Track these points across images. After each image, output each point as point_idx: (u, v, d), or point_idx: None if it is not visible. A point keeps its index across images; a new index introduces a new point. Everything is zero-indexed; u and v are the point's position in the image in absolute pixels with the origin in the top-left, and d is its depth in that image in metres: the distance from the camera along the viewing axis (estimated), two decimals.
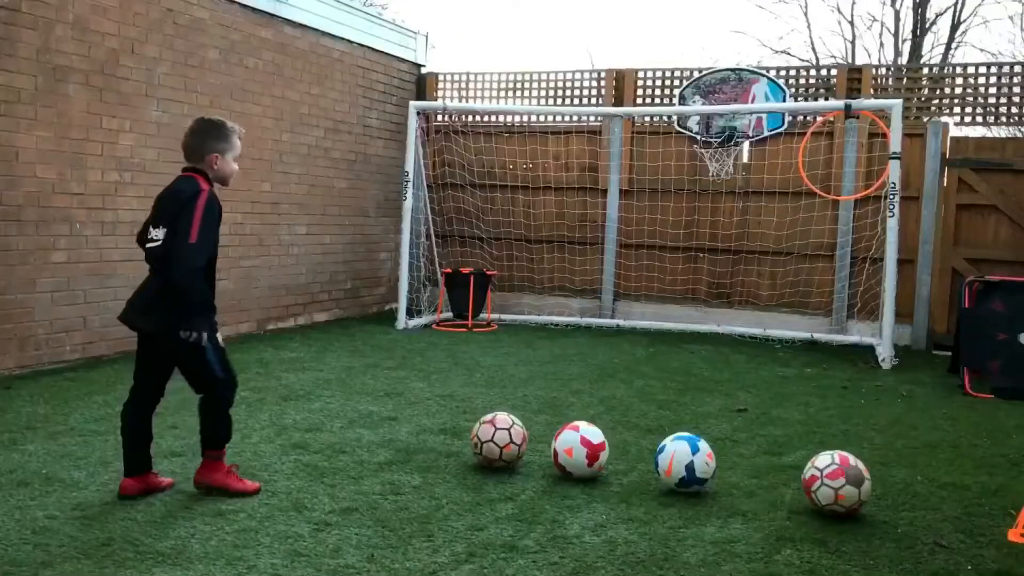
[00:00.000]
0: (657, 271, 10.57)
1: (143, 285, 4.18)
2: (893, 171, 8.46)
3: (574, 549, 3.69)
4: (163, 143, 7.93)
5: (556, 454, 4.60)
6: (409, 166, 9.96)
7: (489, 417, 4.74)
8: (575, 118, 10.92)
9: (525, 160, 11.16)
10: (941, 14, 23.80)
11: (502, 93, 11.39)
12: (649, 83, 10.73)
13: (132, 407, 4.25)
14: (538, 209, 11.15)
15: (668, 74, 10.66)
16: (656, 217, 10.53)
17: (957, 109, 9.69)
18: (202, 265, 4.03)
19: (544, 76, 11.21)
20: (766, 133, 10.09)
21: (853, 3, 30.52)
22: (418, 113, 10.19)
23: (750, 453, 5.20)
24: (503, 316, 10.49)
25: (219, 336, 4.17)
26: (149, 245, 4.08)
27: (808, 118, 9.92)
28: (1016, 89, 9.42)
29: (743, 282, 10.35)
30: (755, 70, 10.59)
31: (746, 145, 10.25)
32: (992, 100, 9.56)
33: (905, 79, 10.12)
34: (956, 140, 9.49)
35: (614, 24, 37.60)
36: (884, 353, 8.31)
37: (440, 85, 11.68)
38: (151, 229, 4.07)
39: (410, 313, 10.06)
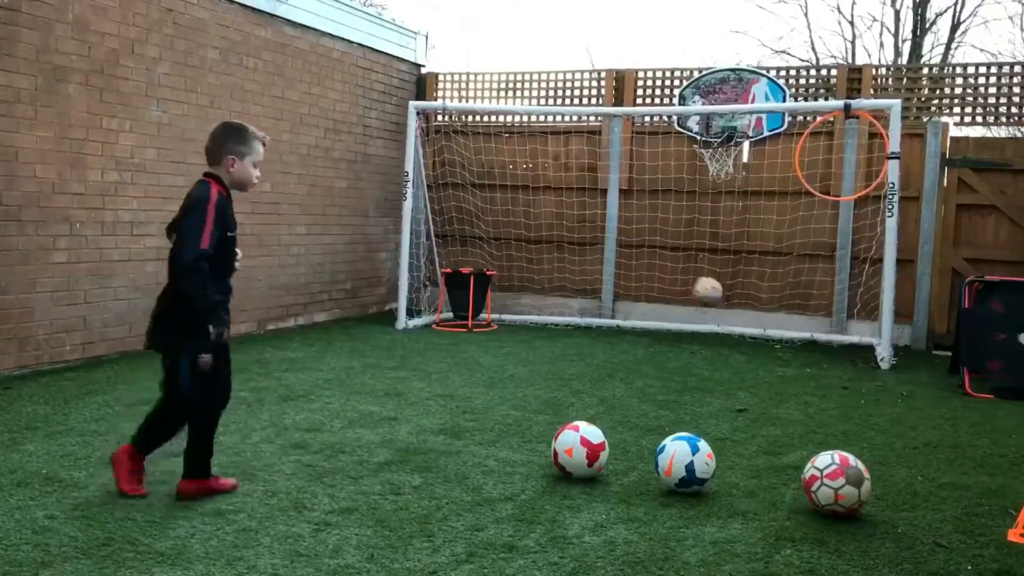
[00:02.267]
0: (657, 271, 10.57)
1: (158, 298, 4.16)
2: (892, 171, 8.46)
3: (574, 549, 3.69)
4: (163, 143, 7.94)
5: (556, 454, 4.60)
6: (409, 166, 9.96)
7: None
8: (575, 118, 10.92)
9: (525, 160, 11.16)
10: (941, 14, 23.81)
11: (502, 93, 11.39)
12: (649, 83, 10.73)
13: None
14: (538, 209, 11.15)
15: (668, 74, 10.67)
16: (656, 216, 10.53)
17: (957, 109, 9.69)
18: (206, 272, 3.91)
19: (544, 76, 11.21)
20: (766, 133, 10.09)
21: (853, 3, 30.54)
22: (418, 113, 10.19)
23: (750, 453, 5.20)
24: (503, 316, 10.49)
25: (208, 357, 4.02)
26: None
27: (808, 118, 9.92)
28: (1016, 89, 9.42)
29: (743, 282, 10.35)
30: (755, 70, 10.59)
31: (746, 145, 10.25)
32: (992, 100, 9.56)
33: (905, 79, 10.12)
34: (956, 140, 9.49)
35: (614, 24, 37.60)
36: (883, 353, 8.32)
37: (440, 85, 11.68)
38: (174, 233, 4.04)
39: (410, 313, 10.06)
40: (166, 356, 4.07)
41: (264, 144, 4.25)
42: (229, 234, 4.02)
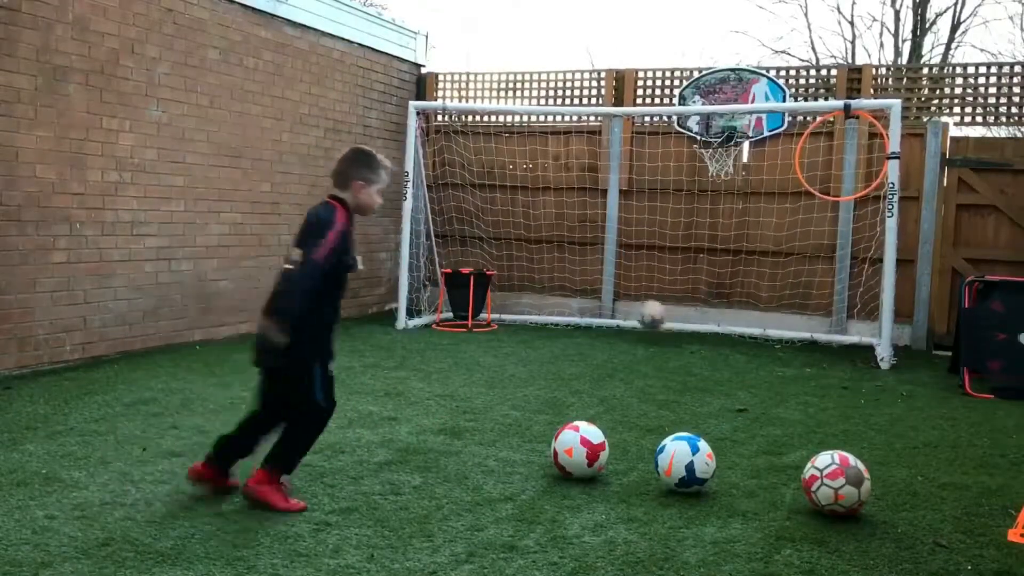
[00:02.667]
0: (657, 271, 10.57)
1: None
2: (892, 171, 8.46)
3: (574, 549, 3.69)
4: (163, 143, 7.94)
5: (556, 454, 4.60)
6: (409, 166, 9.96)
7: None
8: (575, 118, 10.92)
9: (525, 160, 11.16)
10: (941, 14, 23.81)
11: (502, 93, 11.39)
12: (649, 83, 10.73)
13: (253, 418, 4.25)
14: (538, 209, 11.15)
15: (668, 74, 10.67)
16: (656, 217, 10.53)
17: (957, 109, 9.69)
18: (316, 286, 3.98)
19: (544, 76, 11.21)
20: (766, 133, 10.09)
21: (853, 3, 30.55)
22: (418, 113, 10.19)
23: (750, 453, 5.20)
24: (503, 316, 10.49)
25: (331, 365, 4.17)
26: (286, 265, 4.07)
27: (808, 118, 9.92)
28: (1016, 89, 9.42)
29: (743, 282, 10.35)
30: (755, 70, 10.59)
31: (746, 145, 10.25)
32: (992, 100, 9.56)
33: (905, 79, 10.12)
34: (956, 140, 9.49)
35: (614, 24, 37.61)
36: (883, 353, 8.31)
37: (440, 85, 11.68)
38: (292, 250, 4.08)
39: (410, 313, 10.06)
40: (290, 369, 4.06)
41: (388, 174, 4.32)
42: (345, 257, 4.09)
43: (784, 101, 9.98)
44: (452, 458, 4.91)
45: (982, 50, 27.65)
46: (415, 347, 8.56)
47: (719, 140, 10.20)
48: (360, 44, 10.44)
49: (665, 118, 10.57)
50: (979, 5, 26.71)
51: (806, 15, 37.59)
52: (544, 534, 3.84)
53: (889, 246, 8.56)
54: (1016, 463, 5.17)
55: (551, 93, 11.18)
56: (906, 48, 23.58)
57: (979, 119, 9.88)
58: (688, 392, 6.90)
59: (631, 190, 10.64)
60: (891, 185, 8.44)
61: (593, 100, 10.96)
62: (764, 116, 10.01)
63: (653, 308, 9.39)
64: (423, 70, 11.71)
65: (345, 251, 4.06)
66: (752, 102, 10.08)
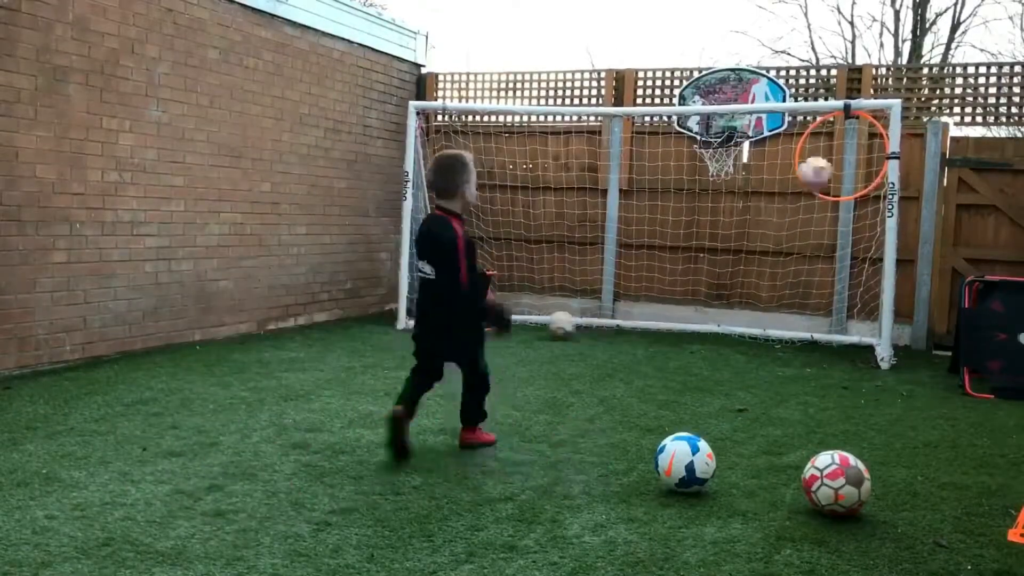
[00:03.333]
0: (657, 271, 10.57)
1: (426, 316, 5.03)
2: (891, 171, 8.45)
3: (574, 549, 3.69)
4: (163, 143, 7.94)
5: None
6: (409, 166, 9.96)
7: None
8: (575, 118, 10.91)
9: (525, 160, 11.16)
10: (941, 14, 23.83)
11: (502, 93, 11.39)
12: (649, 83, 10.73)
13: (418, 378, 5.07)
14: (538, 209, 11.15)
15: (668, 74, 10.67)
16: (656, 217, 10.53)
17: (957, 109, 9.69)
18: (472, 293, 4.80)
19: (544, 76, 11.21)
20: (766, 133, 10.09)
21: (853, 3, 30.57)
22: (418, 113, 10.19)
23: (750, 453, 5.20)
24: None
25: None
26: (420, 274, 4.88)
27: (808, 118, 9.92)
28: (1016, 89, 9.41)
29: (743, 282, 10.35)
30: (755, 70, 10.59)
31: (746, 145, 10.25)
32: (992, 100, 9.55)
33: (905, 79, 10.12)
34: (956, 140, 9.49)
35: (614, 24, 37.60)
36: (883, 353, 8.31)
37: (440, 85, 11.68)
38: (419, 262, 4.88)
39: (410, 313, 10.05)
40: (466, 354, 5.04)
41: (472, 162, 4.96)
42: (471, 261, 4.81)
43: (784, 101, 9.97)
44: (452, 458, 4.91)
45: (982, 50, 27.66)
46: None
47: (719, 140, 10.20)
48: (360, 44, 10.45)
49: (665, 118, 10.57)
50: (979, 5, 26.75)
51: (806, 15, 37.62)
52: (544, 534, 3.84)
53: (889, 246, 8.56)
54: (1016, 463, 5.17)
55: (551, 93, 11.17)
56: (906, 48, 23.59)
57: (979, 119, 9.87)
58: (688, 392, 6.90)
59: (631, 190, 10.64)
60: (891, 185, 8.44)
61: (593, 100, 10.96)
62: (764, 116, 10.01)
63: (562, 320, 9.44)
64: (423, 70, 11.71)
65: (473, 255, 4.79)
66: (752, 102, 10.08)
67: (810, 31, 33.88)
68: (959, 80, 9.78)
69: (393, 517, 3.98)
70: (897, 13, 23.69)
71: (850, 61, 23.79)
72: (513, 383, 7.01)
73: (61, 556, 3.46)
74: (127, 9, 7.52)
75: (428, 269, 4.80)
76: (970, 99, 9.61)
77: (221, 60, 8.52)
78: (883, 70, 10.46)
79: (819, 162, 8.29)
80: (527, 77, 11.27)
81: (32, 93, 6.78)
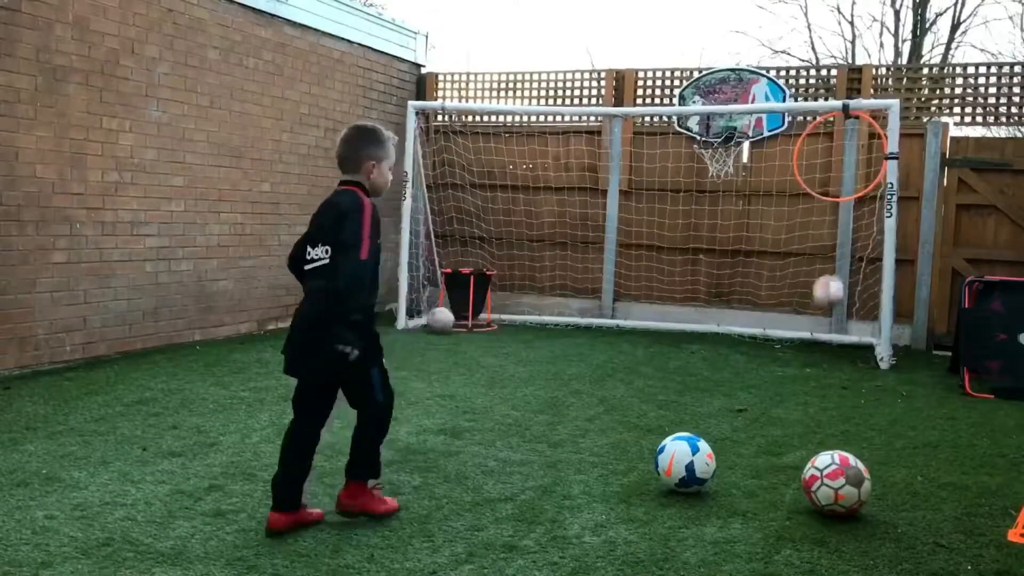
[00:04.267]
0: (657, 271, 10.57)
1: (294, 324, 3.98)
2: (890, 171, 8.45)
3: (574, 549, 3.69)
4: (163, 143, 7.94)
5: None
6: (409, 166, 9.96)
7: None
8: (575, 118, 10.92)
9: (525, 160, 11.16)
10: (941, 14, 23.85)
11: (502, 93, 11.39)
12: (649, 83, 10.73)
13: (294, 437, 3.92)
14: (538, 209, 11.14)
15: (668, 74, 10.67)
16: (656, 218, 10.52)
17: (957, 109, 9.69)
18: (367, 283, 3.76)
19: (544, 76, 11.21)
20: (766, 133, 10.09)
21: (853, 3, 30.58)
22: (417, 113, 10.19)
23: (750, 453, 5.20)
24: (503, 316, 10.49)
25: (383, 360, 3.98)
26: (310, 266, 3.79)
27: (808, 118, 9.92)
28: (1016, 89, 9.42)
29: (743, 283, 10.35)
30: (755, 70, 10.59)
31: (746, 145, 10.25)
32: (992, 100, 9.56)
33: (905, 79, 10.12)
34: (956, 140, 9.49)
35: (614, 24, 37.60)
36: (883, 353, 8.31)
37: (440, 85, 11.68)
38: (310, 249, 3.80)
39: (410, 313, 10.06)
40: (349, 374, 3.83)
41: (394, 145, 4.01)
42: (379, 242, 3.81)
43: (784, 101, 9.98)
44: (452, 458, 4.91)
45: (982, 50, 27.66)
46: (415, 347, 8.56)
47: (719, 140, 10.20)
48: (360, 44, 10.44)
49: (665, 118, 10.57)
50: (979, 5, 26.74)
51: (806, 15, 37.62)
52: (544, 534, 3.84)
53: (888, 246, 8.56)
54: (1016, 463, 5.17)
55: (551, 93, 11.17)
56: (906, 48, 23.59)
57: (979, 119, 9.87)
58: (688, 392, 6.90)
59: (631, 190, 10.64)
60: (890, 185, 8.43)
61: (593, 100, 10.96)
62: (764, 116, 10.01)
63: (444, 316, 9.65)
64: (423, 70, 11.71)
65: (378, 235, 3.77)
66: (752, 102, 10.08)
67: (810, 31, 33.83)
68: (959, 80, 9.78)
69: (393, 517, 3.97)
70: (897, 13, 23.71)
71: (850, 61, 23.79)
72: (513, 383, 7.01)
73: (61, 556, 3.46)
74: (127, 9, 7.52)
75: (320, 253, 3.74)
76: (970, 99, 9.61)
77: (221, 60, 8.52)
78: (883, 70, 10.46)
79: (823, 279, 8.99)
80: (527, 77, 11.27)
81: (32, 93, 6.78)
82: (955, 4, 23.05)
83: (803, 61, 24.37)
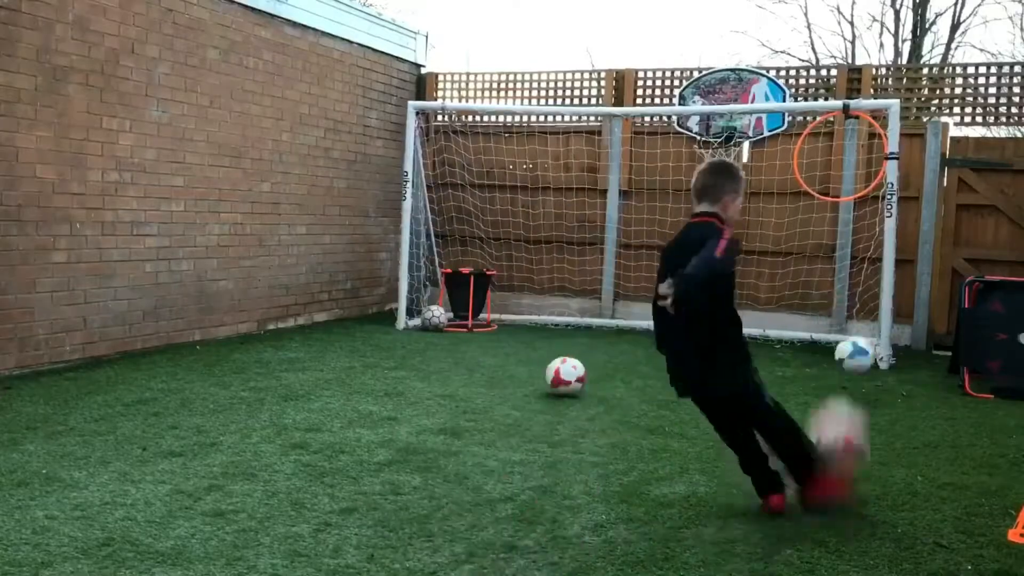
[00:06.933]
0: (656, 272, 10.54)
1: (677, 354, 4.42)
2: (890, 171, 8.45)
3: (574, 549, 3.69)
4: (163, 143, 7.94)
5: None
6: (408, 166, 9.96)
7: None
8: (575, 118, 10.92)
9: (525, 160, 11.16)
10: (941, 14, 23.85)
11: (502, 93, 11.39)
12: (649, 83, 10.73)
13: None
14: (538, 209, 11.14)
15: (668, 74, 10.66)
16: (656, 217, 10.52)
17: (957, 109, 9.69)
18: (711, 279, 3.99)
19: (544, 76, 11.20)
20: (766, 133, 10.09)
21: (853, 3, 30.55)
22: (417, 113, 10.19)
23: None
24: (503, 316, 10.49)
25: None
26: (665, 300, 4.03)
27: (808, 118, 9.92)
28: (1016, 89, 9.41)
29: (742, 282, 10.34)
30: (755, 70, 10.59)
31: (746, 145, 10.25)
32: (992, 100, 9.55)
33: (905, 79, 10.12)
34: (956, 140, 9.49)
35: (614, 24, 37.60)
36: (883, 353, 8.31)
37: (440, 85, 11.68)
38: (665, 285, 4.02)
39: (410, 313, 10.06)
40: (723, 391, 4.29)
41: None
42: (737, 258, 4.11)
43: (784, 101, 9.97)
44: (452, 458, 4.91)
45: (982, 50, 27.59)
46: (415, 347, 8.56)
47: (719, 140, 10.20)
48: (360, 44, 10.44)
49: (665, 118, 10.57)
50: (979, 5, 26.65)
51: (806, 15, 37.57)
52: (544, 534, 3.84)
53: (888, 246, 8.55)
54: (1016, 463, 5.17)
55: (551, 93, 11.17)
56: (906, 48, 23.56)
57: (979, 119, 9.88)
58: None
59: (631, 190, 10.64)
60: (890, 185, 8.43)
61: (593, 100, 10.96)
62: (764, 116, 10.01)
63: (438, 313, 9.79)
64: (423, 70, 11.70)
65: (739, 252, 4.06)
66: (752, 102, 10.08)
67: (810, 31, 33.71)
68: (959, 80, 9.78)
69: (393, 517, 3.97)
70: (897, 13, 23.68)
71: (850, 61, 23.77)
72: (513, 383, 7.01)
73: (61, 556, 3.46)
74: (127, 9, 7.52)
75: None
76: (970, 99, 9.61)
77: (221, 60, 8.52)
78: (883, 70, 10.47)
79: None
80: (527, 77, 11.27)
81: (32, 93, 6.78)
82: (955, 4, 23.03)
83: (803, 61, 24.35)
